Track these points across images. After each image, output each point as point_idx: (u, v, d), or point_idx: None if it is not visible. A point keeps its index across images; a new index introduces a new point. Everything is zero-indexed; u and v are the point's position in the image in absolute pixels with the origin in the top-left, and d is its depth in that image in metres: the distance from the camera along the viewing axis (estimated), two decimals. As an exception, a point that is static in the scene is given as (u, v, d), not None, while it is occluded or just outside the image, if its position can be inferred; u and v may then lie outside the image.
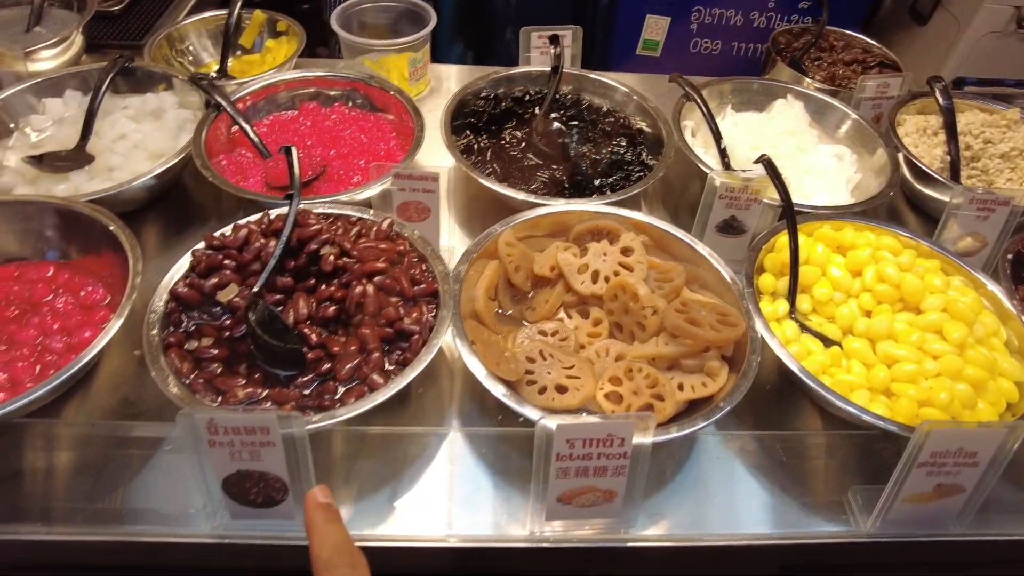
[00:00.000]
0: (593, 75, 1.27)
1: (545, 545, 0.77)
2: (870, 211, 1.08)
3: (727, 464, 0.87)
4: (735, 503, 0.84)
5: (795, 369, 0.82)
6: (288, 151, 0.92)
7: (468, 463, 0.85)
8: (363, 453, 0.85)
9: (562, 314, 0.94)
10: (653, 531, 0.80)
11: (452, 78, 1.47)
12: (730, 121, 1.30)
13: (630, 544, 0.78)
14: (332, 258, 0.86)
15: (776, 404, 0.93)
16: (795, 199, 1.14)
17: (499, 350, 0.86)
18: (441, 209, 1.01)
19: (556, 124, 1.17)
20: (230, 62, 1.35)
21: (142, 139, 1.13)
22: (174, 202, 1.15)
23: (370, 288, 0.83)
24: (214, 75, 1.33)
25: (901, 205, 1.29)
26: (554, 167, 1.13)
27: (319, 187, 1.08)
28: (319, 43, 2.33)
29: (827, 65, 1.47)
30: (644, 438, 0.71)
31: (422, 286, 0.87)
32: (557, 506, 0.76)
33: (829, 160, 1.23)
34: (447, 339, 0.83)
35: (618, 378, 0.85)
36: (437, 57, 1.94)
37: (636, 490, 0.75)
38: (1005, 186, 1.24)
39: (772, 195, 1.09)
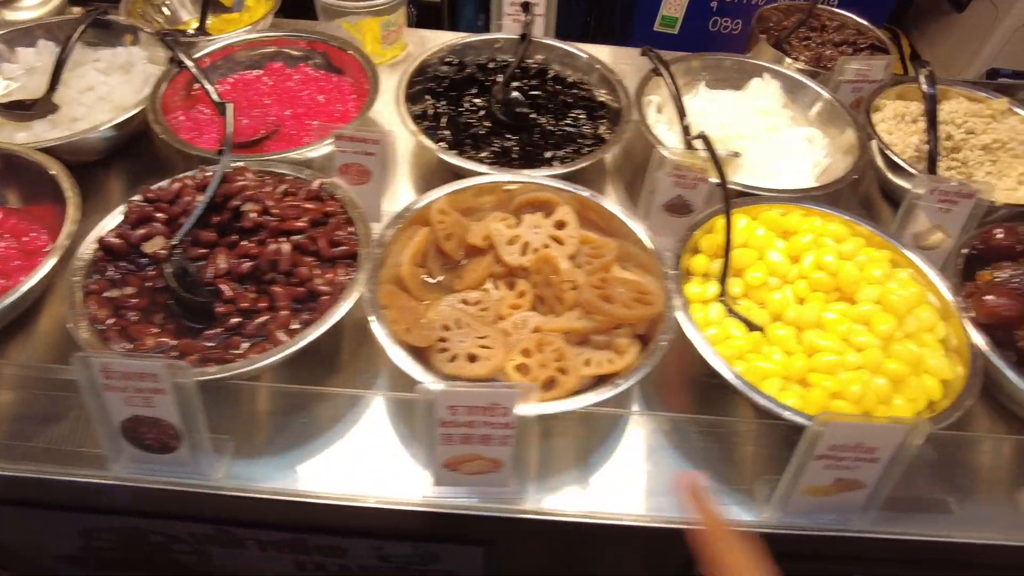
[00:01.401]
0: (563, 45, 1.25)
1: (430, 509, 0.78)
2: (835, 196, 1.05)
3: (642, 445, 0.87)
4: (642, 485, 0.83)
5: (703, 352, 0.81)
6: (222, 108, 0.92)
7: (377, 425, 0.86)
8: (281, 409, 0.87)
9: (489, 284, 0.94)
10: (548, 504, 0.80)
11: (436, 43, 1.46)
12: (704, 98, 1.26)
13: (518, 515, 0.79)
14: (253, 215, 0.86)
15: (709, 388, 0.91)
16: (758, 180, 1.12)
17: (415, 316, 0.86)
18: (387, 173, 1.01)
19: (515, 93, 1.15)
20: (210, 20, 1.37)
21: (108, 92, 1.15)
22: (138, 155, 1.17)
23: (285, 246, 0.84)
24: (192, 32, 1.35)
25: (875, 194, 1.24)
26: (508, 137, 1.11)
27: (270, 145, 1.09)
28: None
29: (816, 45, 1.41)
30: (528, 409, 0.71)
31: (343, 248, 0.88)
32: (445, 472, 0.76)
33: (799, 142, 1.19)
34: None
35: (529, 350, 0.84)
36: (454, 21, 1.89)
37: (524, 461, 0.75)
38: (983, 179, 1.19)
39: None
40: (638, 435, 0.88)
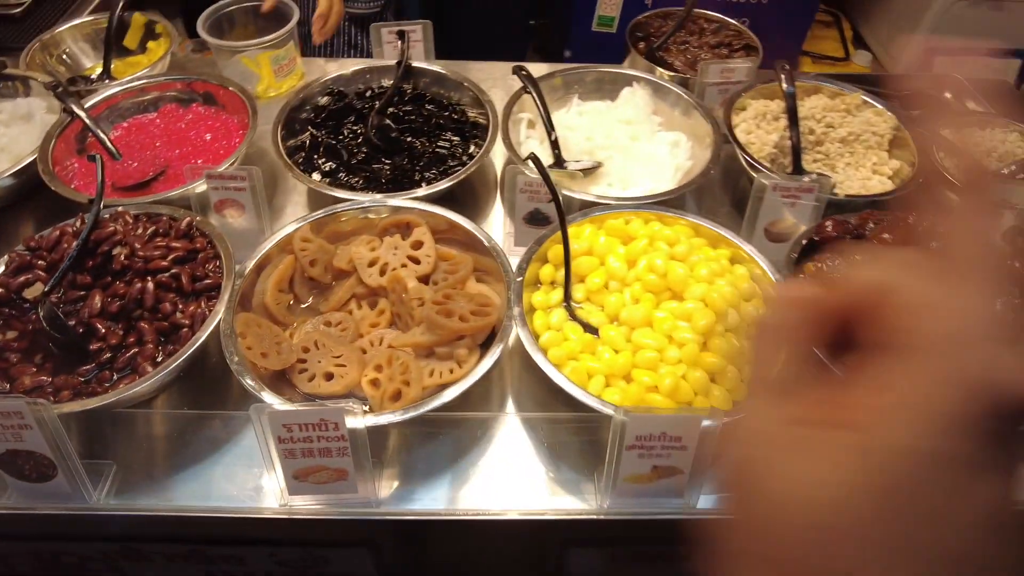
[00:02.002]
0: (436, 68, 1.32)
1: (286, 516, 0.86)
2: (703, 196, 1.11)
3: (508, 444, 0.94)
4: (508, 480, 0.91)
5: (531, 352, 0.88)
6: (93, 159, 1.00)
7: (246, 442, 0.94)
8: (163, 433, 0.95)
9: (352, 305, 1.01)
10: (402, 506, 0.88)
11: (323, 73, 1.51)
12: (576, 111, 1.33)
13: (372, 517, 0.86)
14: (122, 258, 0.94)
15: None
16: (618, 188, 1.19)
17: (273, 341, 0.93)
18: (261, 205, 1.09)
19: (388, 120, 1.22)
20: (115, 64, 1.44)
21: (8, 142, 1.22)
22: (41, 202, 1.25)
23: (149, 285, 0.92)
24: (95, 78, 1.42)
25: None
26: (383, 161, 1.19)
27: (157, 186, 1.16)
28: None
29: (693, 49, 1.48)
30: (357, 422, 0.79)
31: (206, 282, 0.95)
32: (296, 483, 0.84)
33: (663, 148, 1.25)
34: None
35: (381, 365, 0.92)
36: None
37: (367, 468, 0.82)
38: (843, 171, 1.26)
39: (578, 187, 1.14)
40: (506, 435, 0.95)
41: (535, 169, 1.03)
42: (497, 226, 1.20)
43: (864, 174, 1.24)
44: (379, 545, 0.98)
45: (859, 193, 1.19)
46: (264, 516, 0.87)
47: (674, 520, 0.88)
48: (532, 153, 0.97)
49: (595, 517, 0.88)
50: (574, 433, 0.95)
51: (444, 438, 0.94)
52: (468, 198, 1.24)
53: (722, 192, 1.30)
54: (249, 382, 0.85)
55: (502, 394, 0.99)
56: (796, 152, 1.25)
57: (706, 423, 0.78)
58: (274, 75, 1.40)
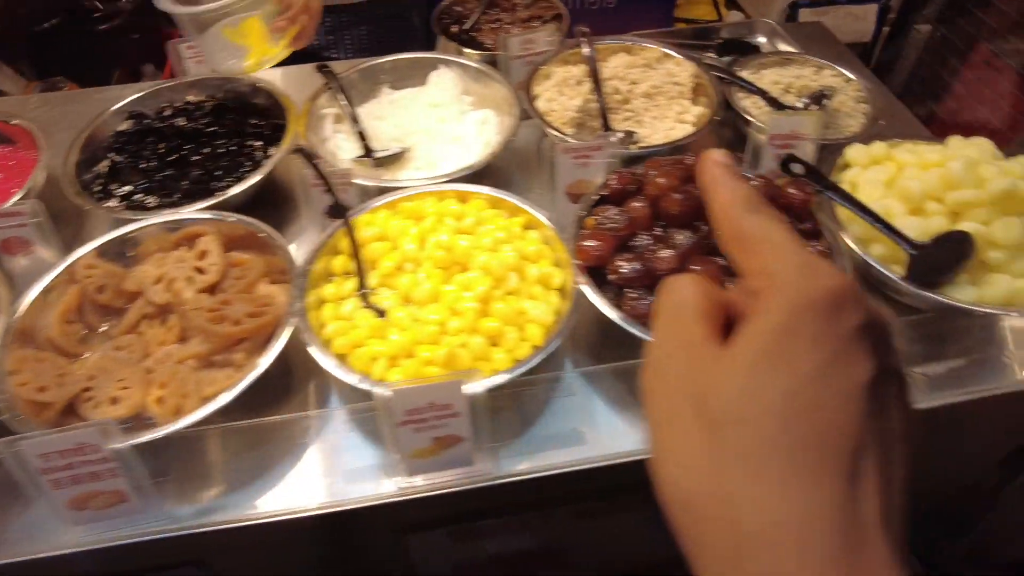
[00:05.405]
0: (241, 77, 1.30)
1: (79, 550, 0.84)
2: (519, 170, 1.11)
3: (300, 445, 0.93)
4: (305, 478, 0.90)
5: (308, 345, 0.87)
6: None
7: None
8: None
9: (144, 325, 0.99)
10: (201, 519, 0.86)
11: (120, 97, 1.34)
12: (386, 100, 1.33)
13: (158, 536, 0.84)
14: None
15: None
16: (425, 171, 1.19)
17: (54, 374, 0.91)
18: (50, 239, 1.06)
19: (187, 134, 1.20)
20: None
21: None
22: None
23: (-89, 335, 0.89)
24: None
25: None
26: (183, 176, 1.17)
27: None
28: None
29: (505, 25, 1.48)
30: (119, 443, 0.77)
31: (-22, 323, 0.92)
32: (74, 512, 0.82)
33: (471, 127, 1.26)
34: None
35: (164, 382, 0.90)
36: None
37: (145, 488, 0.81)
38: (651, 123, 1.28)
39: (388, 174, 1.13)
40: (311, 434, 0.94)
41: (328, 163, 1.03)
42: (310, 224, 1.19)
43: (668, 124, 1.26)
44: (206, 561, 0.96)
45: (662, 142, 1.21)
46: (49, 555, 0.84)
47: (492, 486, 0.89)
48: (299, 146, 0.96)
49: (392, 500, 0.88)
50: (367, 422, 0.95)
51: (242, 444, 0.93)
52: (281, 200, 1.23)
53: (537, 162, 1.31)
54: (23, 416, 0.83)
55: (304, 392, 0.98)
56: (603, 113, 1.27)
57: (467, 387, 0.78)
58: (270, 36, 1.16)
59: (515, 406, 0.94)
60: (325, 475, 0.90)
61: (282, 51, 1.16)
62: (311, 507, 0.88)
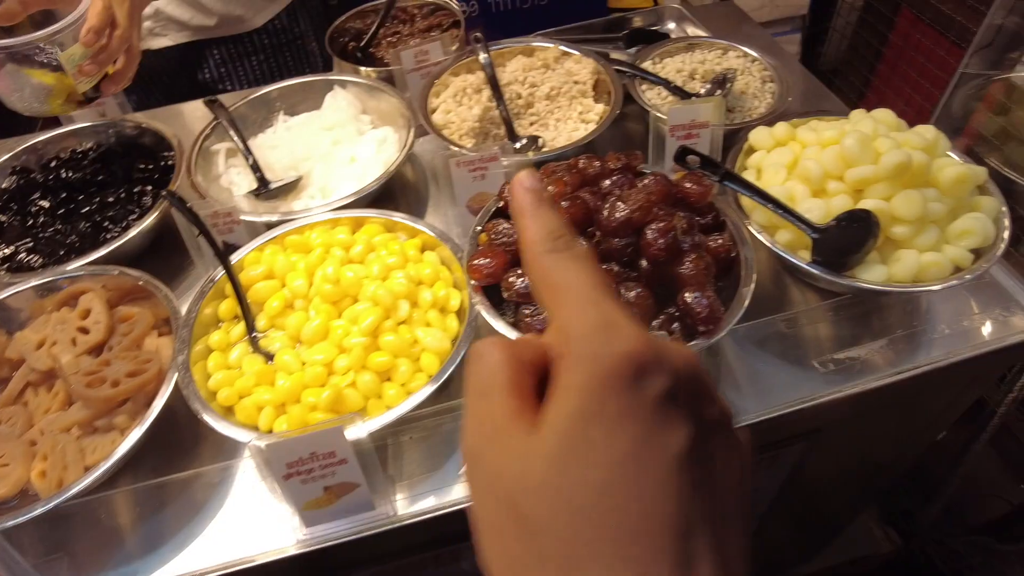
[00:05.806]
0: (128, 120, 1.25)
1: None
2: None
3: (192, 505, 0.89)
4: (208, 539, 0.86)
5: (188, 400, 0.83)
6: None
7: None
8: None
9: (29, 394, 0.94)
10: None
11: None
12: (282, 127, 1.28)
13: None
14: None
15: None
16: (320, 198, 1.15)
17: (-75, 457, 0.86)
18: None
19: (71, 185, 1.16)
20: None
21: None
22: None
23: None
24: None
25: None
26: (70, 231, 1.12)
27: None
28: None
29: (404, 38, 1.44)
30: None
31: None
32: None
33: (370, 147, 1.22)
34: None
35: (46, 454, 0.85)
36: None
37: (19, 569, 0.76)
38: (555, 126, 1.24)
39: (284, 205, 1.09)
40: (210, 493, 0.90)
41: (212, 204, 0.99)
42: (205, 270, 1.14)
43: (572, 126, 1.22)
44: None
45: (565, 145, 1.18)
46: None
47: (390, 531, 0.85)
48: (168, 190, 0.92)
49: (296, 553, 0.84)
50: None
51: (144, 507, 0.89)
52: (176, 246, 1.18)
53: (445, 177, 1.27)
54: None
55: (204, 444, 0.94)
56: (506, 120, 1.23)
57: (350, 431, 0.74)
58: (79, 73, 1.03)
59: (421, 440, 0.90)
60: (226, 532, 0.86)
61: (92, 93, 1.08)
62: (213, 567, 0.83)
